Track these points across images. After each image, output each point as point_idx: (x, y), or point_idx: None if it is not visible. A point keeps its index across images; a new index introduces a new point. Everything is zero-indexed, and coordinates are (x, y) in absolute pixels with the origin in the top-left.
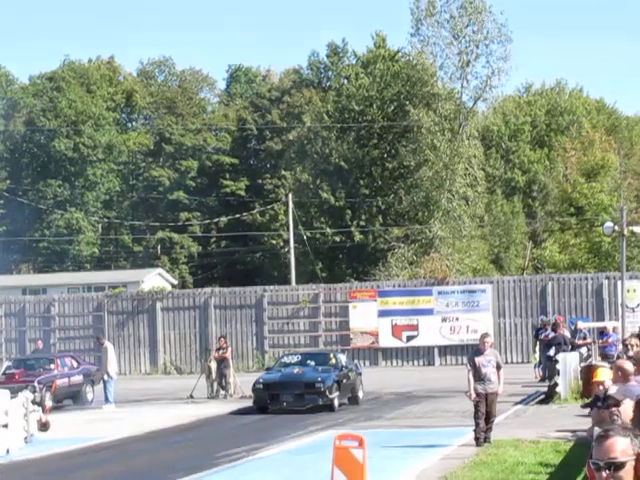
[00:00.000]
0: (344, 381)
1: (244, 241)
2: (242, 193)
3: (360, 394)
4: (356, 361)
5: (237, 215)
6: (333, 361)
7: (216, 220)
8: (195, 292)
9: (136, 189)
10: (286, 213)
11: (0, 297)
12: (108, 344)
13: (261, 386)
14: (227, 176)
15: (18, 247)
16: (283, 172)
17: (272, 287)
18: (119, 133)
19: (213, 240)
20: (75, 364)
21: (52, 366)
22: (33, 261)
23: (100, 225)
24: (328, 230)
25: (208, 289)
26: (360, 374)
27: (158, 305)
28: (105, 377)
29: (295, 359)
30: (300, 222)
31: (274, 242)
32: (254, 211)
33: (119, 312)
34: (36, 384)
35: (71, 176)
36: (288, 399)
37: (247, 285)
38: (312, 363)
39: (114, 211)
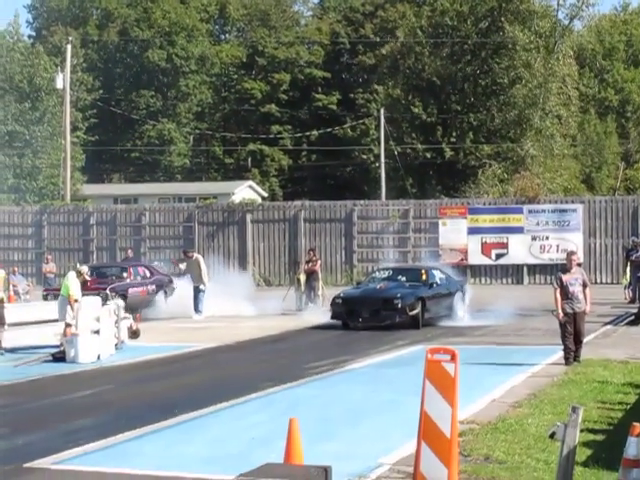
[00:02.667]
0: (434, 299)
1: (335, 155)
2: (334, 107)
3: (460, 312)
4: (463, 279)
5: (328, 129)
6: (424, 277)
7: (307, 134)
8: (285, 205)
9: (228, 101)
10: (377, 128)
11: (92, 206)
12: (198, 255)
13: (340, 301)
14: (319, 90)
15: (110, 157)
16: (375, 87)
17: (362, 202)
18: (212, 45)
19: (304, 154)
20: (148, 274)
21: (125, 275)
22: (125, 171)
23: (192, 136)
24: (419, 146)
25: (298, 202)
26: (463, 292)
27: (248, 217)
28: (201, 286)
29: (385, 274)
30: (391, 137)
31: (364, 157)
32: (345, 125)
33: (209, 223)
34: (108, 292)
35: (164, 87)
36: (365, 315)
37: (337, 199)
38: (402, 279)
39: (206, 123)
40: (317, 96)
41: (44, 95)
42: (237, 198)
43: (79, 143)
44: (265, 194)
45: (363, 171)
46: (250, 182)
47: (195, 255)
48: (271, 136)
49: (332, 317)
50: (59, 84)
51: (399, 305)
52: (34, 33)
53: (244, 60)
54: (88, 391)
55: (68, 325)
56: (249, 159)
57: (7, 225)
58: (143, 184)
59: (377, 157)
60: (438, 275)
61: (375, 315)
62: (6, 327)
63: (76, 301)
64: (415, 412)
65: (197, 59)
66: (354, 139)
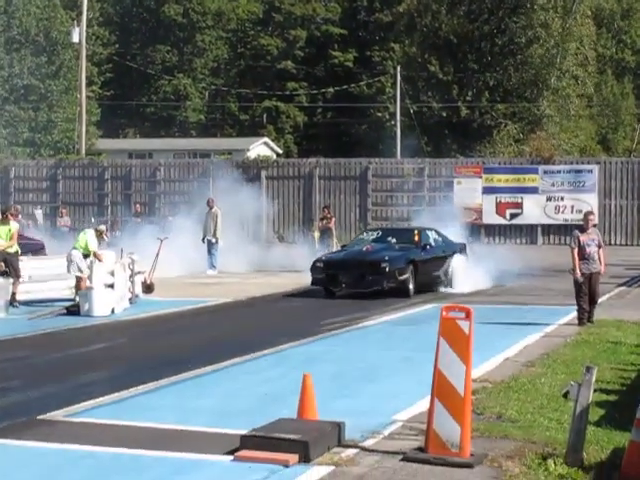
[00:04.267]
0: (428, 262)
1: (350, 113)
2: (350, 65)
3: (458, 277)
4: (464, 241)
5: (344, 86)
6: (416, 238)
7: (323, 91)
8: (300, 162)
9: (244, 57)
10: (393, 86)
11: (107, 160)
12: (217, 209)
13: (321, 264)
14: (335, 47)
15: (125, 112)
16: (392, 45)
17: (377, 159)
18: (229, 0)
19: (319, 111)
20: None
21: None
22: (140, 126)
23: (207, 92)
24: (435, 104)
25: (313, 159)
26: (463, 255)
27: (263, 174)
28: (213, 241)
29: (374, 235)
30: (407, 95)
31: (380, 115)
32: (361, 83)
33: (224, 179)
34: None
35: (180, 42)
36: (348, 280)
37: (351, 157)
38: (392, 240)
39: (221, 78)
40: (333, 53)
41: (60, 49)
42: (252, 154)
43: (94, 97)
44: (280, 151)
45: (378, 129)
46: (265, 139)
47: (215, 207)
48: (287, 93)
49: (312, 283)
50: (75, 38)
51: (387, 269)
52: None
53: (260, 16)
54: (102, 344)
55: (79, 278)
56: (264, 116)
57: (22, 179)
58: (158, 139)
59: (392, 115)
60: (433, 236)
61: (360, 280)
62: (21, 280)
63: (96, 255)
64: (429, 370)
65: (213, 14)
66: (370, 97)
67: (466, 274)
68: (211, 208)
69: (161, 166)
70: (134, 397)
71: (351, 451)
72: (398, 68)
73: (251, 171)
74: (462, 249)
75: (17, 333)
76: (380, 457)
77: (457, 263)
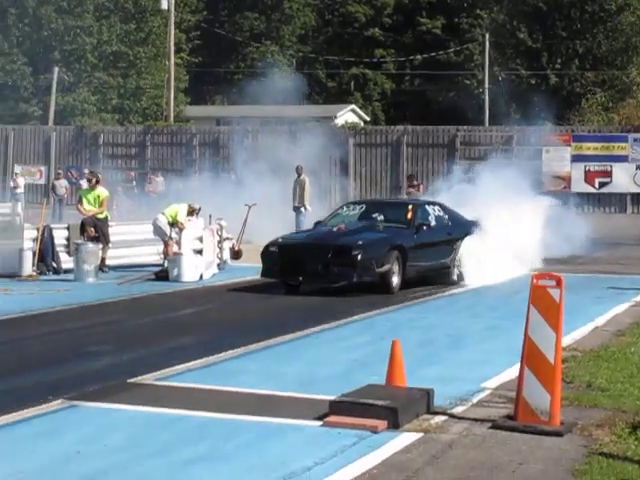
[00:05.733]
0: (423, 248)
1: (438, 80)
2: (438, 32)
3: (464, 267)
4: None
5: (432, 54)
6: (409, 216)
7: (411, 58)
8: (388, 129)
9: (331, 24)
10: (481, 53)
11: (195, 127)
12: (305, 177)
13: (275, 249)
14: (423, 14)
15: (213, 79)
16: (480, 12)
17: (465, 127)
18: None
19: (407, 78)
20: None
21: None
22: (227, 93)
23: (294, 59)
24: (523, 72)
25: (401, 127)
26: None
27: (350, 141)
28: (302, 209)
29: (355, 210)
30: (495, 63)
31: (468, 82)
32: (449, 50)
33: (311, 145)
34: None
35: (267, 9)
36: (307, 271)
37: (439, 124)
38: (378, 218)
39: (309, 46)
40: (421, 20)
41: (149, 16)
42: (340, 122)
43: (182, 64)
44: (367, 118)
45: (466, 97)
46: (353, 106)
47: (304, 175)
48: (374, 60)
49: (262, 274)
50: (164, 5)
51: (358, 257)
52: None
53: None
54: (190, 310)
55: (167, 244)
56: (352, 83)
57: (111, 145)
58: (245, 106)
59: (481, 83)
60: (434, 213)
61: (322, 272)
62: (110, 245)
63: (179, 225)
64: (518, 338)
65: None
66: (458, 64)
67: (482, 262)
68: (299, 175)
69: (248, 132)
70: (223, 362)
71: (440, 418)
72: (487, 35)
73: (339, 138)
74: (474, 228)
75: (107, 298)
76: (469, 424)
77: (469, 248)
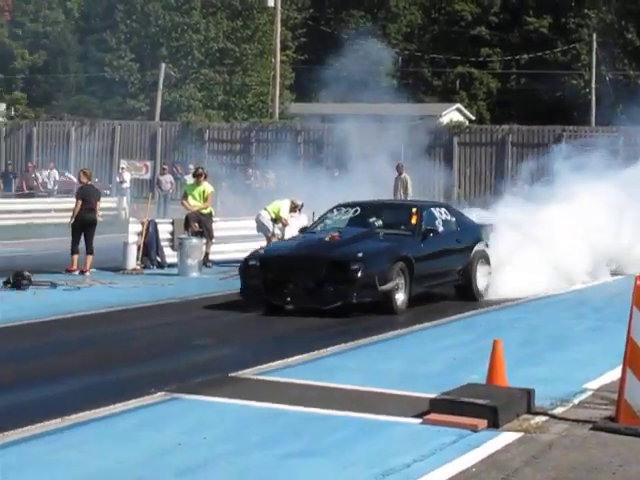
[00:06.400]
0: (431, 259)
1: (544, 80)
2: (544, 31)
3: (481, 283)
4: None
5: (538, 53)
6: (414, 221)
7: (517, 57)
8: (493, 128)
9: (437, 23)
10: (589, 53)
11: (300, 124)
12: (406, 175)
13: (256, 263)
14: (530, 13)
15: (318, 76)
16: (587, 11)
17: (571, 127)
18: None
19: (513, 77)
20: None
21: None
22: (332, 90)
23: (400, 57)
24: (631, 72)
25: (506, 126)
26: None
27: (455, 140)
28: None
29: (349, 214)
30: (602, 63)
31: (574, 82)
32: (556, 50)
33: (416, 144)
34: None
35: (373, 7)
36: (295, 290)
37: (544, 124)
38: (375, 223)
39: (414, 44)
40: (528, 19)
41: (255, 13)
42: (445, 120)
43: (288, 62)
44: (472, 117)
45: (572, 96)
46: (458, 105)
47: (405, 174)
48: (480, 59)
49: (241, 293)
50: (270, 2)
51: (359, 273)
52: None
53: None
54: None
55: (269, 240)
56: (457, 81)
57: (216, 141)
58: (350, 104)
59: (587, 82)
60: (441, 217)
61: (314, 291)
62: (214, 241)
63: (282, 221)
64: (621, 340)
65: None
66: (564, 64)
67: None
68: (400, 174)
69: (353, 130)
70: (323, 358)
71: (540, 418)
72: (594, 35)
73: (443, 136)
74: (486, 233)
75: (210, 292)
76: (569, 425)
77: (480, 257)
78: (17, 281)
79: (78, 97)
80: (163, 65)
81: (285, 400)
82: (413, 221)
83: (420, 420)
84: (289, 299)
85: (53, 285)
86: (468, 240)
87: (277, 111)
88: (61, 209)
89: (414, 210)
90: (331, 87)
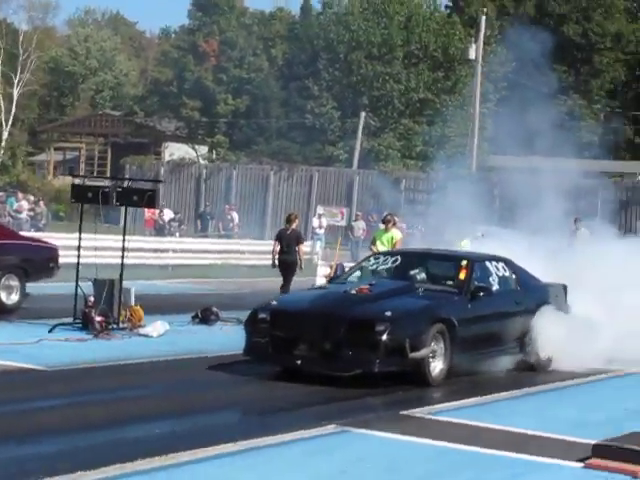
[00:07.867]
0: (479, 323)
1: None
2: None
3: (543, 353)
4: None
5: None
6: (462, 275)
7: None
8: None
9: None
10: None
11: (496, 177)
12: (585, 230)
13: (266, 317)
14: None
15: (518, 129)
16: None
17: None
18: (628, 22)
19: None
20: None
21: None
22: (531, 145)
23: (602, 114)
24: None
25: None
26: (560, 309)
27: None
28: None
29: (387, 264)
30: None
31: None
32: None
33: (611, 201)
34: None
35: (577, 63)
36: (308, 351)
37: None
38: (418, 276)
39: (617, 101)
40: None
41: (457, 65)
42: None
43: (489, 114)
44: None
45: None
46: None
47: (583, 228)
48: None
49: (245, 351)
50: (472, 55)
51: (384, 336)
52: (450, 3)
53: None
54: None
55: None
56: None
57: (412, 190)
58: (548, 158)
59: None
60: (498, 273)
61: (330, 355)
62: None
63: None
64: None
65: (613, 36)
66: None
67: (567, 341)
68: (577, 228)
69: (548, 183)
70: (496, 402)
71: None
72: None
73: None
74: (554, 296)
75: None
76: None
77: (544, 323)
78: (205, 316)
79: (278, 142)
80: (363, 114)
81: (454, 439)
82: (461, 276)
83: (582, 464)
84: (299, 362)
85: (239, 322)
86: (530, 302)
87: (474, 163)
88: (255, 251)
89: (464, 263)
90: (532, 140)
